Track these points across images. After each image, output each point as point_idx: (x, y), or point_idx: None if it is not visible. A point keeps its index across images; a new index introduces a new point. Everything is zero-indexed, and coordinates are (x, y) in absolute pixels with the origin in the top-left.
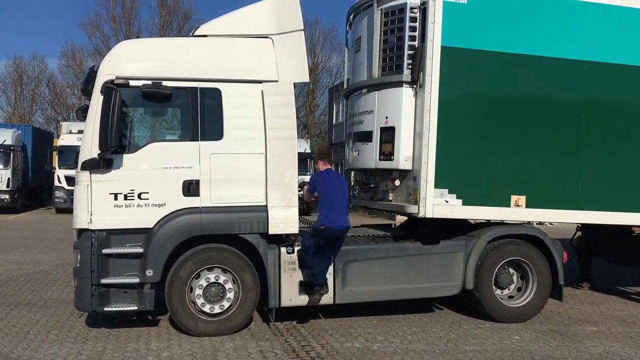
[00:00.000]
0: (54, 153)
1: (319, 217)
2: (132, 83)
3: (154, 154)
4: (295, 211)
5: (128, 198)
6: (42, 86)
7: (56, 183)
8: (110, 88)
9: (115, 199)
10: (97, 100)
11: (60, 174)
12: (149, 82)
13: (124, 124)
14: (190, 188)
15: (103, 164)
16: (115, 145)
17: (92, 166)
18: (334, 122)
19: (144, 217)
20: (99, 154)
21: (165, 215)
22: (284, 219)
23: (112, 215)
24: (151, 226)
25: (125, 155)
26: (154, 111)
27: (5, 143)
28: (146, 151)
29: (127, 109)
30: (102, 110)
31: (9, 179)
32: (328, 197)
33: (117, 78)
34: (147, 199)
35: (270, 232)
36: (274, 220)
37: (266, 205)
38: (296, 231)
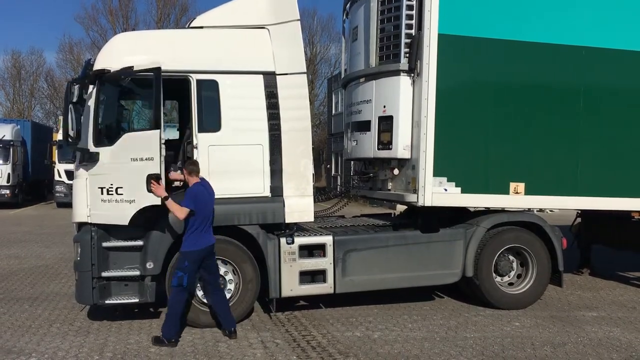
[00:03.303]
0: (54, 147)
1: (188, 237)
2: None
3: None
4: (310, 200)
5: (111, 192)
6: (40, 81)
7: (56, 177)
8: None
9: (102, 193)
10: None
11: (61, 168)
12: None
13: (121, 115)
14: None
15: (95, 156)
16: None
17: (84, 159)
18: (334, 112)
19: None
20: (94, 146)
21: None
22: (300, 207)
23: (100, 210)
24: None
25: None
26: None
27: (4, 138)
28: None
29: (123, 101)
30: (97, 103)
31: (9, 174)
32: (202, 214)
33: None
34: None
35: (287, 220)
36: (290, 209)
37: (266, 196)
38: (312, 219)
